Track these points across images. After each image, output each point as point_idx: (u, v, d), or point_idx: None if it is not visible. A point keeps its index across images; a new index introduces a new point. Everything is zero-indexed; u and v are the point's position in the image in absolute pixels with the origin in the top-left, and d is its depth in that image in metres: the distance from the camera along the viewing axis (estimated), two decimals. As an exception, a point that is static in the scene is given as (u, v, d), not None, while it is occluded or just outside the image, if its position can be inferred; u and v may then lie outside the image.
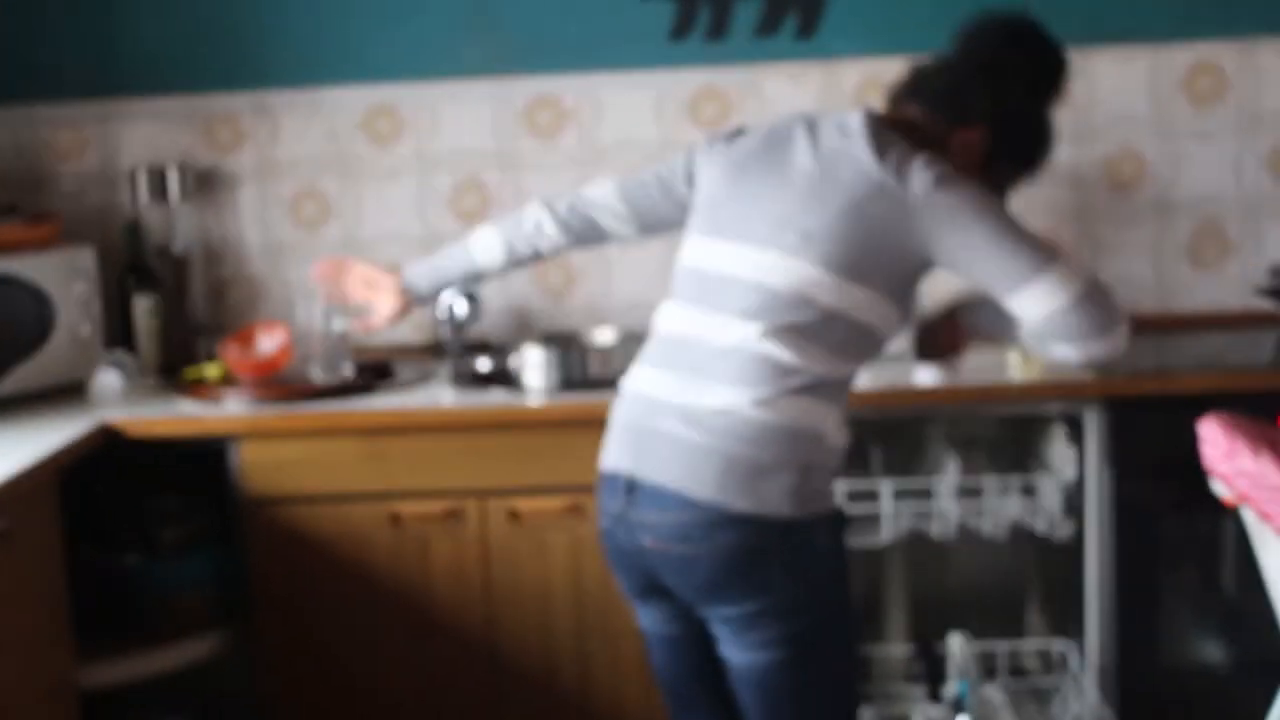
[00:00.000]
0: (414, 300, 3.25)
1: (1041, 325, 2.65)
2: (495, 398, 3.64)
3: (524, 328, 4.20)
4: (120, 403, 3.75)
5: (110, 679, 3.53)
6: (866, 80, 4.10)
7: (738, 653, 2.71)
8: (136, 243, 4.09)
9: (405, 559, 3.57)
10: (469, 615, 3.57)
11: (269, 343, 3.86)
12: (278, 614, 3.59)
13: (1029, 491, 3.58)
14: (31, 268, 3.76)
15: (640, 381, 2.78)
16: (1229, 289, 4.13)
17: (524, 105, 4.17)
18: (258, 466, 3.55)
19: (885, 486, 3.53)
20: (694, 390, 2.66)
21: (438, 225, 4.20)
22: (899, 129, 2.76)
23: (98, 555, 3.66)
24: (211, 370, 3.86)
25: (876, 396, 3.45)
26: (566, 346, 3.82)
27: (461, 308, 4.02)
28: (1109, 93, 4.07)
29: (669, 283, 4.11)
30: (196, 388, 3.78)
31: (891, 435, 3.75)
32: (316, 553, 3.56)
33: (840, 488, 3.49)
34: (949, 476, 3.56)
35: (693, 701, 2.86)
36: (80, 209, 4.21)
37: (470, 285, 3.80)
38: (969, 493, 3.56)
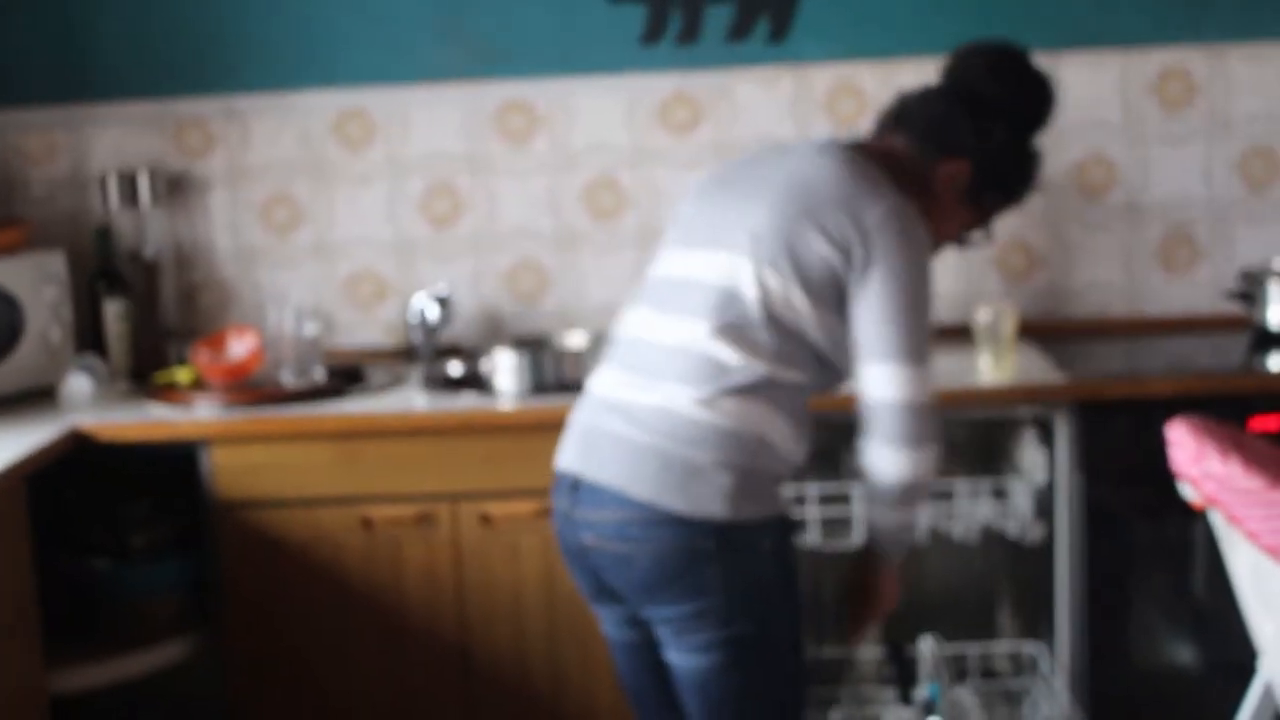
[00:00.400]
0: None
1: (870, 406, 2.68)
2: (467, 402, 3.64)
3: (495, 332, 4.20)
4: (91, 407, 3.74)
5: (80, 684, 3.52)
6: (838, 85, 4.11)
7: (678, 655, 2.71)
8: (107, 247, 4.08)
9: (377, 563, 3.56)
10: (441, 619, 3.57)
11: (240, 347, 3.86)
12: (249, 619, 3.59)
13: (1000, 495, 3.59)
14: (1, 273, 3.75)
15: (594, 382, 2.82)
16: (1199, 293, 4.14)
17: (495, 109, 4.17)
18: (229, 471, 3.54)
19: (856, 489, 3.52)
20: (639, 389, 2.69)
21: (409, 229, 4.19)
22: (880, 158, 2.80)
23: (68, 560, 3.65)
24: (182, 375, 3.85)
25: (846, 400, 3.45)
26: (538, 350, 3.82)
27: (433, 311, 4.02)
28: (1079, 97, 4.08)
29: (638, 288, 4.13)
30: (167, 392, 3.77)
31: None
32: (288, 557, 3.56)
33: (811, 491, 3.50)
34: (920, 480, 3.56)
35: (653, 706, 2.86)
36: (50, 214, 4.19)
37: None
38: (940, 496, 3.56)
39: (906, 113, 2.89)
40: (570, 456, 2.75)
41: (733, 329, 2.65)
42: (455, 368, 3.95)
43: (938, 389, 2.73)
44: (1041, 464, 3.53)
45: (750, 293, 2.66)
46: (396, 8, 4.12)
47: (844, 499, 3.54)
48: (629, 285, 4.16)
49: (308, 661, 3.60)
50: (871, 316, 2.66)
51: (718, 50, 4.13)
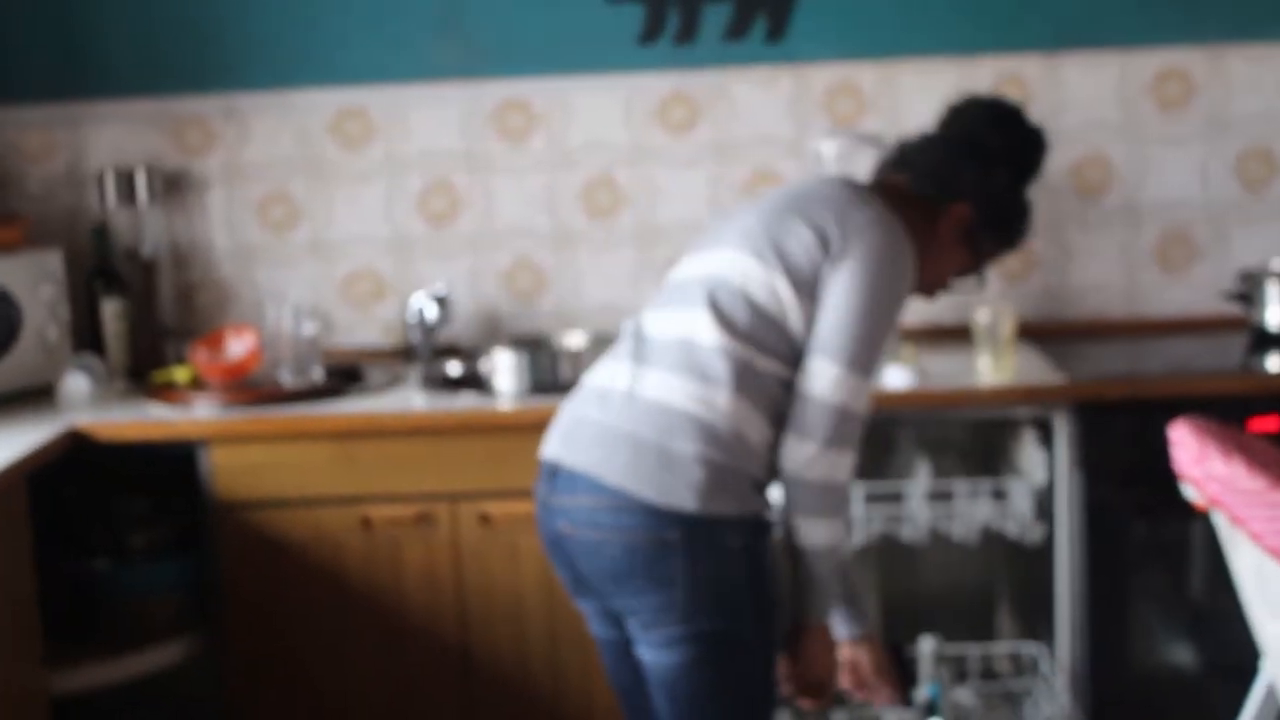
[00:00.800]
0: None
1: (804, 400, 2.66)
2: (465, 401, 3.64)
3: (493, 331, 4.19)
4: (88, 407, 3.73)
5: (80, 684, 3.52)
6: (836, 84, 4.11)
7: (647, 650, 2.71)
8: (104, 246, 4.07)
9: (376, 563, 3.56)
10: (440, 619, 3.57)
11: (238, 346, 3.85)
12: (248, 618, 3.58)
13: (999, 495, 3.59)
14: (-1, 271, 3.75)
15: (590, 374, 2.84)
16: (1197, 294, 4.15)
17: (493, 108, 4.17)
18: (228, 470, 3.54)
19: (856, 490, 3.53)
20: (623, 377, 2.71)
21: (407, 228, 4.19)
22: (883, 191, 2.86)
23: (67, 560, 3.64)
24: (180, 374, 3.84)
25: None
26: (536, 350, 3.82)
27: (431, 311, 4.01)
28: (1077, 98, 4.09)
29: (638, 286, 4.14)
30: (165, 391, 3.76)
31: (862, 439, 3.74)
32: (287, 557, 3.55)
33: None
34: (920, 480, 3.57)
35: (639, 704, 2.85)
36: (48, 212, 4.18)
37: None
38: (940, 496, 3.57)
39: (908, 158, 2.94)
40: (551, 445, 2.77)
41: (716, 312, 2.67)
42: (454, 367, 3.94)
43: (866, 404, 2.71)
44: (1041, 464, 3.53)
45: (736, 280, 2.70)
46: (395, 6, 4.12)
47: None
48: (627, 284, 4.18)
49: (307, 661, 3.59)
50: (831, 310, 2.67)
51: (715, 49, 4.13)
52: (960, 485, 3.56)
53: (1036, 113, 2.98)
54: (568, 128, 4.17)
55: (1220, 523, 2.57)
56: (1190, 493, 2.56)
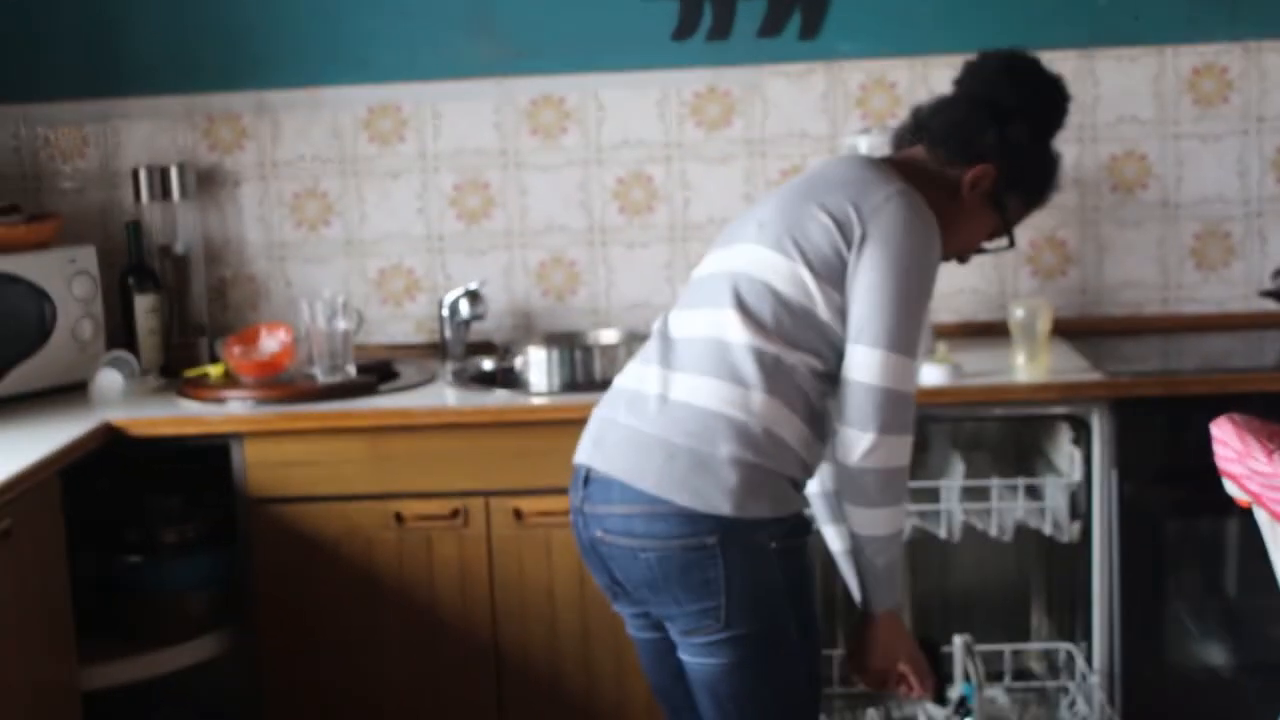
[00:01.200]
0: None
1: (850, 386, 2.63)
2: (498, 398, 3.63)
3: (526, 327, 4.19)
4: (121, 403, 3.74)
5: (112, 679, 3.52)
6: (870, 81, 4.09)
7: (687, 655, 2.69)
8: (138, 242, 4.07)
9: (408, 559, 3.56)
10: (472, 615, 3.56)
11: (271, 343, 3.85)
12: (280, 614, 3.58)
13: (1034, 493, 3.57)
14: (32, 267, 3.76)
15: (620, 376, 2.81)
16: (1233, 291, 4.12)
17: (526, 105, 4.16)
18: (260, 466, 3.54)
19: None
20: (653, 381, 2.68)
21: (440, 225, 4.19)
22: (901, 165, 2.81)
23: (100, 555, 3.65)
24: (214, 370, 3.84)
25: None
26: (569, 347, 3.81)
27: (464, 307, 4.01)
28: (1113, 94, 4.07)
29: (672, 283, 4.13)
30: (198, 388, 3.77)
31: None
32: (319, 553, 3.55)
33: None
34: (954, 478, 3.55)
35: (680, 707, 2.83)
36: (81, 208, 4.19)
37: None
38: (974, 494, 3.55)
39: (924, 124, 2.88)
40: (583, 450, 2.75)
41: (742, 310, 2.64)
42: (487, 364, 3.93)
43: (914, 381, 2.68)
44: (1076, 462, 3.50)
45: (759, 274, 2.67)
46: (427, 3, 4.12)
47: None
48: (661, 281, 4.17)
49: (339, 657, 3.59)
50: (862, 295, 2.63)
51: (749, 46, 4.12)
52: (995, 483, 3.54)
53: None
54: (601, 124, 4.16)
55: (1262, 519, 2.56)
56: (1232, 490, 2.55)
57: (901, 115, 3.98)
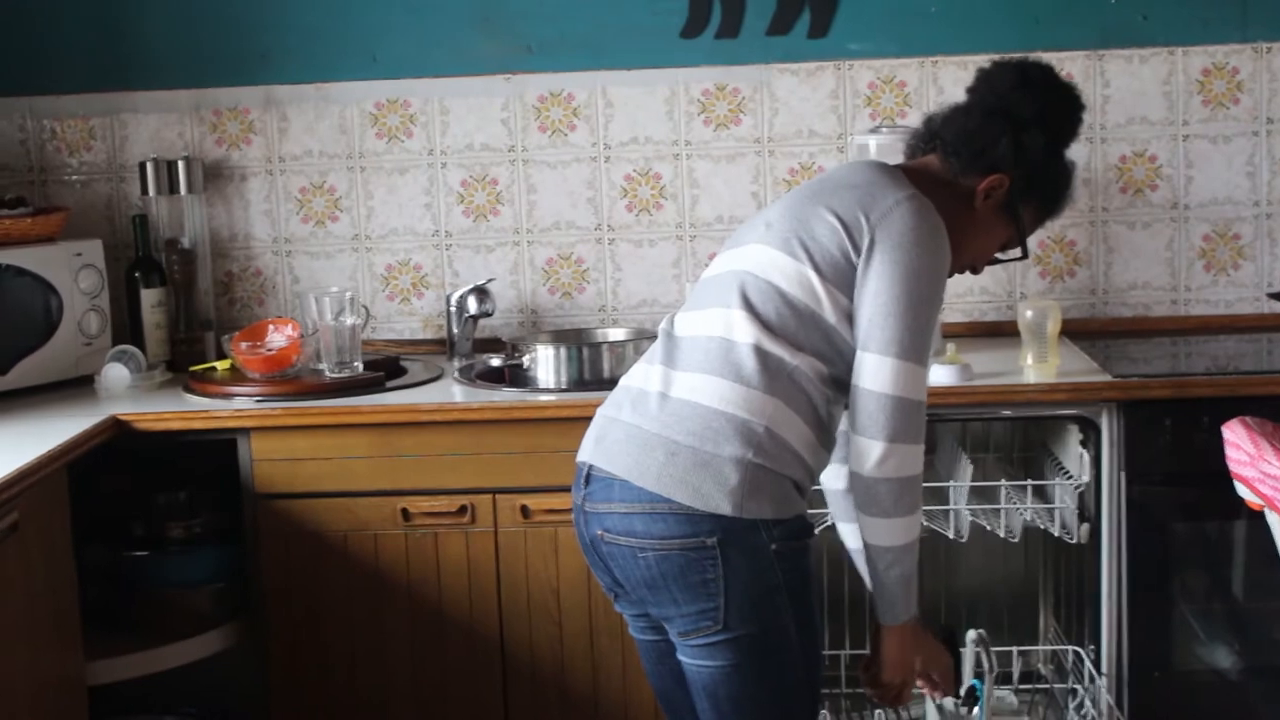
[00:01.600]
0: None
1: (859, 394, 2.61)
2: (506, 394, 3.63)
3: (534, 324, 4.19)
4: (128, 397, 3.74)
5: (118, 674, 3.51)
6: (879, 81, 4.09)
7: (686, 656, 2.68)
8: (144, 236, 4.07)
9: (414, 555, 3.55)
10: (478, 612, 3.56)
11: (279, 338, 3.84)
12: (286, 609, 3.58)
13: (1042, 494, 3.56)
14: (39, 260, 3.75)
15: (625, 376, 2.80)
16: (1243, 293, 4.11)
17: (535, 102, 4.16)
18: (267, 461, 3.53)
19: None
20: (656, 379, 2.67)
21: (447, 221, 4.18)
22: (914, 173, 2.79)
23: (107, 550, 3.64)
24: (220, 364, 3.83)
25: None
26: (576, 344, 3.81)
27: (472, 304, 4.01)
28: (1123, 95, 4.06)
29: (680, 281, 4.13)
30: (205, 383, 3.76)
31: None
32: (326, 548, 3.55)
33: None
34: (963, 478, 3.54)
35: (681, 709, 2.82)
36: (88, 202, 4.19)
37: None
38: (982, 494, 3.54)
39: (937, 133, 2.85)
40: (585, 448, 2.74)
41: (748, 309, 2.63)
42: (494, 360, 3.93)
43: (924, 387, 2.65)
44: (1084, 463, 3.50)
45: (765, 275, 2.65)
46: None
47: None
48: (668, 279, 4.16)
49: (345, 652, 3.59)
50: (871, 301, 2.61)
51: (758, 45, 4.11)
52: (1003, 484, 3.53)
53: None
54: (610, 122, 4.15)
55: (1274, 523, 2.55)
56: (1244, 493, 2.54)
57: (910, 115, 4.02)
